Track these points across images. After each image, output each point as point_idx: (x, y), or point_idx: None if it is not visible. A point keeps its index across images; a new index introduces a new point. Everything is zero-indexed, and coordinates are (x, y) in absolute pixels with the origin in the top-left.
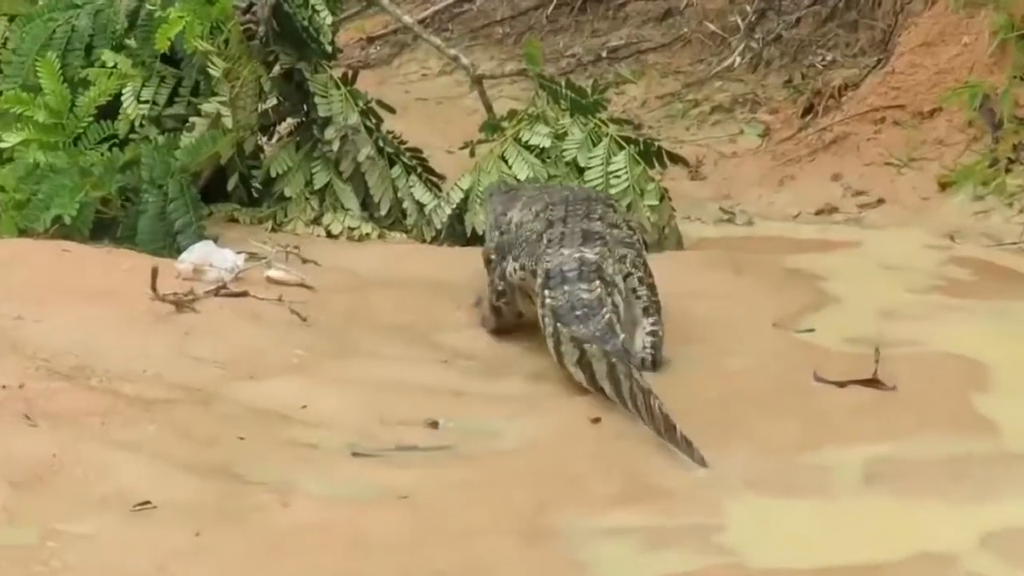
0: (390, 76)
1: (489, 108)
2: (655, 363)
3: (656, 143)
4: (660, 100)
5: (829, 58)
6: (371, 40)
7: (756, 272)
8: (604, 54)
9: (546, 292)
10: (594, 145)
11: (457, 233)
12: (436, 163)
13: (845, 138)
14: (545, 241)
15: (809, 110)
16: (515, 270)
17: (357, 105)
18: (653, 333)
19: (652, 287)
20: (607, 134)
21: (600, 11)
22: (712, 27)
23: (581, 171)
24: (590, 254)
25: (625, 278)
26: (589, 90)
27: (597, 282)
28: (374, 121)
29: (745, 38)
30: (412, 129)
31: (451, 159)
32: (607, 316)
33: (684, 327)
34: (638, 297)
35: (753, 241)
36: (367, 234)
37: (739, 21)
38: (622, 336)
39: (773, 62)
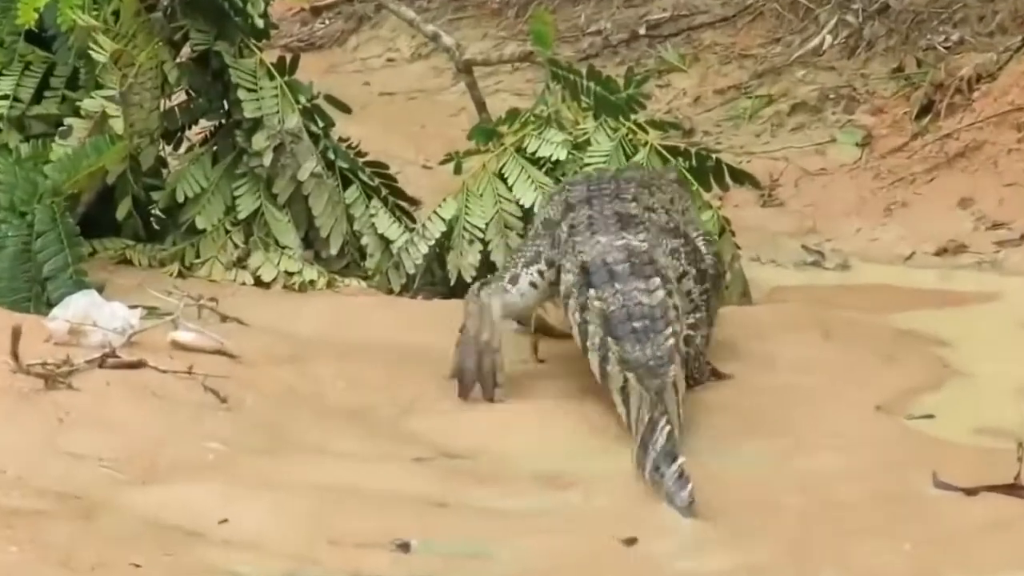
0: (344, 61)
1: (481, 106)
2: (689, 376)
3: (714, 155)
4: (720, 95)
5: (955, 37)
6: (317, 11)
7: (853, 335)
8: (642, 31)
9: (591, 292)
10: (627, 158)
11: (437, 280)
12: (408, 183)
13: (978, 149)
14: (566, 228)
15: (927, 109)
16: (530, 282)
17: (298, 102)
18: (688, 340)
19: (706, 291)
20: (645, 143)
21: None
22: None
23: None
24: (635, 241)
25: (679, 278)
26: (621, 82)
27: (657, 279)
28: (321, 125)
29: (838, 9)
30: (375, 135)
31: (428, 177)
32: (670, 338)
33: (753, 411)
34: (691, 300)
35: (849, 292)
36: (311, 281)
37: None
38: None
39: (877, 43)
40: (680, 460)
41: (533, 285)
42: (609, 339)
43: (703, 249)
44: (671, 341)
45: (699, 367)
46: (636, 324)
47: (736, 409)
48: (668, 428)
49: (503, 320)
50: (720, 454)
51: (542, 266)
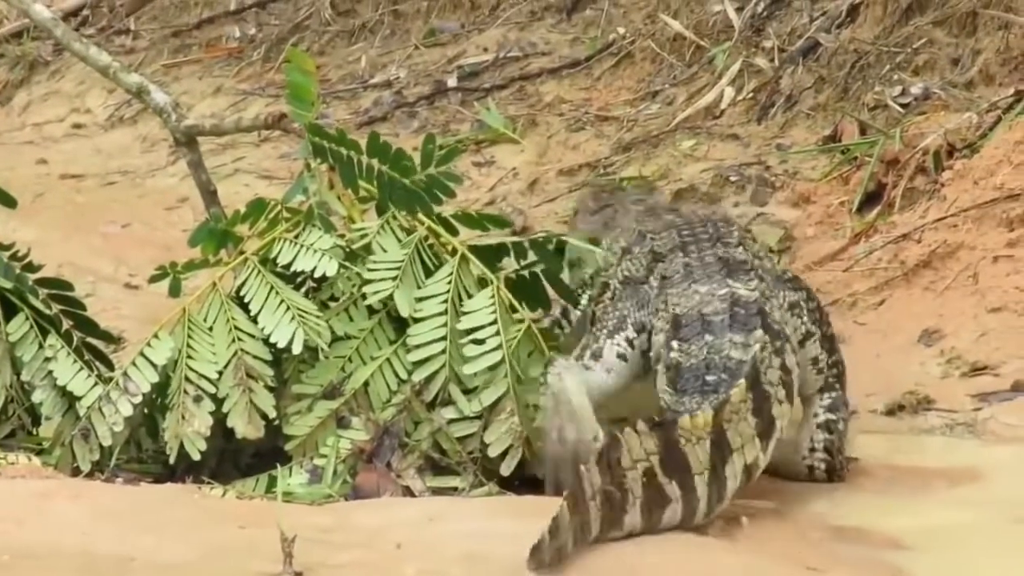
0: (8, 127)
1: (211, 196)
2: (831, 472)
3: (554, 237)
4: (567, 177)
5: (917, 90)
6: None
7: (767, 534)
8: (452, 82)
9: (673, 344)
10: (429, 271)
11: (146, 455)
12: (103, 310)
13: (950, 256)
14: (656, 283)
15: (875, 197)
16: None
17: None
18: (829, 425)
19: (839, 363)
20: (453, 250)
21: None
22: (673, 23)
23: (399, 326)
24: (744, 290)
25: (802, 341)
26: (418, 158)
27: (759, 333)
28: None
29: (743, 48)
30: (54, 239)
31: (134, 301)
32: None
33: None
34: (818, 371)
35: None
36: None
37: (728, 11)
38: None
39: (802, 99)
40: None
41: (622, 357)
42: (668, 393)
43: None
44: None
45: (841, 462)
46: (710, 377)
47: None
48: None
49: (591, 406)
50: None
51: (630, 332)
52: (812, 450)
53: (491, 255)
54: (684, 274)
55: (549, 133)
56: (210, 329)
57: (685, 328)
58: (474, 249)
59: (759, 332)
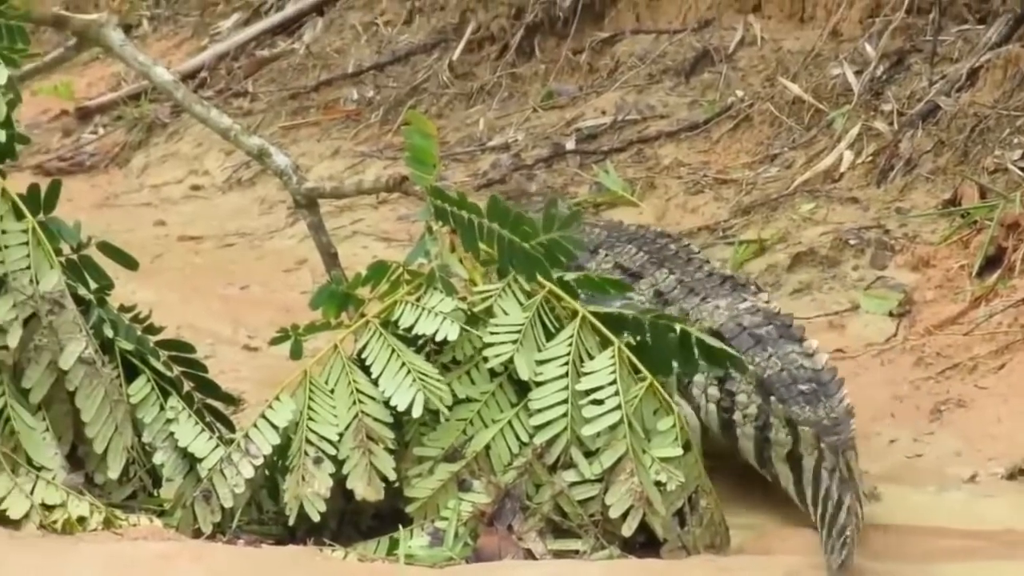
0: (126, 189)
1: (331, 258)
2: None
3: (677, 325)
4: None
5: None
6: (86, 115)
7: None
8: (570, 144)
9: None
10: (549, 335)
11: (267, 517)
12: (223, 372)
13: None
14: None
15: (995, 261)
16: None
17: (58, 253)
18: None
19: None
20: (574, 312)
21: (561, 51)
22: (792, 86)
23: (520, 389)
24: (762, 303)
25: None
26: (539, 222)
27: (814, 342)
28: (94, 287)
29: (862, 112)
30: (173, 301)
31: (254, 364)
32: (845, 399)
33: None
34: None
35: (877, 535)
36: (80, 519)
37: (847, 74)
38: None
39: (921, 162)
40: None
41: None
42: (772, 402)
43: None
44: (846, 402)
45: None
46: (803, 387)
47: None
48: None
49: None
50: None
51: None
52: None
53: (611, 322)
54: (684, 290)
55: (667, 196)
56: (331, 391)
57: (734, 341)
58: (595, 313)
59: (813, 342)
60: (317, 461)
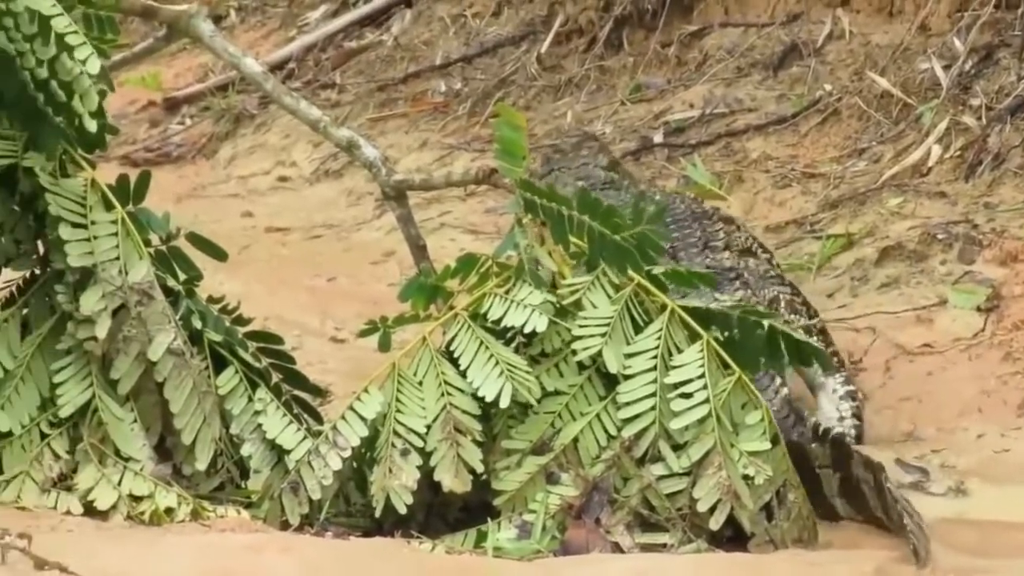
0: (214, 180)
1: (420, 251)
2: (860, 437)
3: (766, 321)
4: (774, 234)
5: None
6: (173, 106)
7: None
8: (658, 138)
9: None
10: (638, 329)
11: (355, 509)
12: (311, 364)
13: None
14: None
15: None
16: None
17: (147, 244)
18: (851, 395)
19: (824, 331)
20: (663, 306)
21: (649, 44)
22: (880, 80)
23: (608, 382)
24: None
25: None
26: (628, 214)
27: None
28: (182, 278)
29: (950, 106)
30: (261, 293)
31: (341, 355)
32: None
33: None
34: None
35: (967, 529)
36: (168, 510)
37: (935, 68)
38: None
39: (1010, 157)
40: None
41: None
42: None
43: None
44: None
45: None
46: None
47: None
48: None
49: None
50: None
51: None
52: (841, 419)
53: (700, 317)
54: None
55: (755, 189)
56: (420, 384)
57: None
58: (684, 307)
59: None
60: (404, 453)
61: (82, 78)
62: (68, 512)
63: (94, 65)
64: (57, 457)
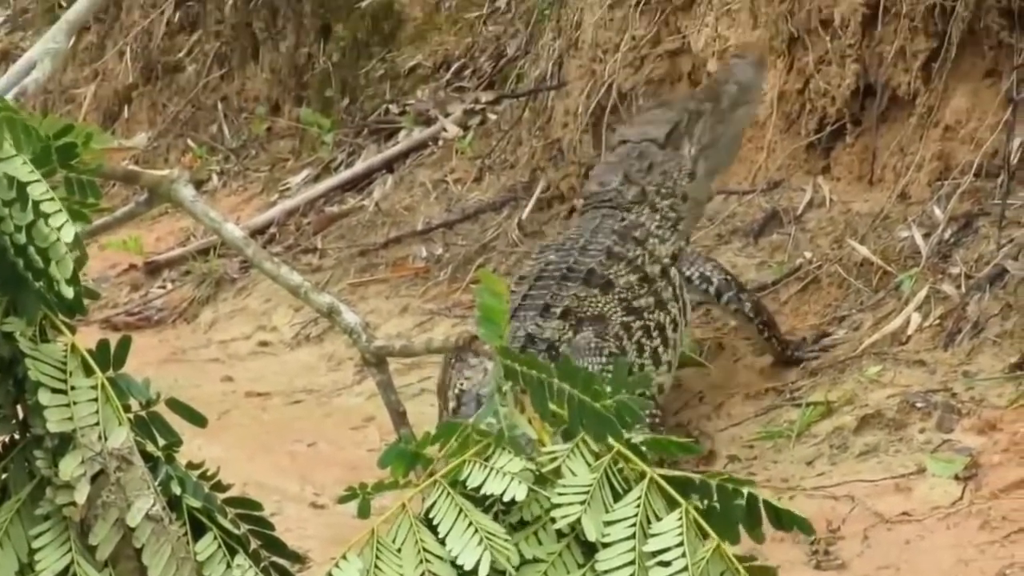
0: (194, 344)
1: (400, 417)
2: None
3: (745, 488)
4: (754, 402)
5: None
6: (154, 270)
7: None
8: None
9: None
10: (616, 496)
11: None
12: (290, 530)
13: None
14: None
15: None
16: None
17: (127, 409)
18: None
19: None
20: (642, 474)
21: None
22: (861, 248)
23: (587, 550)
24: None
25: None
26: (608, 382)
27: None
28: (162, 444)
29: (930, 275)
30: (239, 459)
31: (320, 521)
32: None
33: None
34: None
35: None
36: None
37: (915, 237)
38: None
39: (988, 325)
40: None
41: None
42: None
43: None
44: None
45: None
46: None
47: None
48: None
49: None
50: None
51: None
52: None
53: (678, 485)
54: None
55: (735, 356)
56: (398, 551)
57: None
58: (663, 475)
59: None
60: None
61: (58, 245)
62: None
63: (69, 233)
64: None
